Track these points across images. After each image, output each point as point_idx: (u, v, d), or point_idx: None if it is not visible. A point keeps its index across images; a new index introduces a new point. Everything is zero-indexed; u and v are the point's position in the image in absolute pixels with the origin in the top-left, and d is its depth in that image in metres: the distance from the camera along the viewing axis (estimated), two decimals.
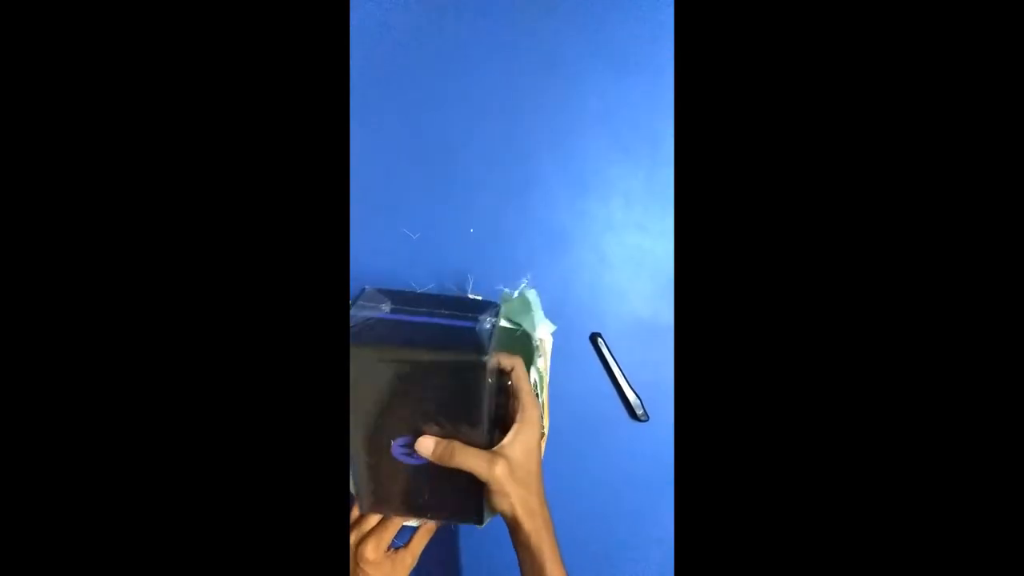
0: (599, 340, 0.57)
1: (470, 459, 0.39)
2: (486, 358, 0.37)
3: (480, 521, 0.43)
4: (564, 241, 0.58)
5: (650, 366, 0.58)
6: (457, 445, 0.40)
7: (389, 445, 0.40)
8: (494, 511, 0.41)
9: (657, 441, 0.57)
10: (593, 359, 0.58)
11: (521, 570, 0.42)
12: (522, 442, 0.41)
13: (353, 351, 0.36)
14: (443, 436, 0.40)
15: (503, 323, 0.47)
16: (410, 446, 0.40)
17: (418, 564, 0.45)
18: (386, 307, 0.43)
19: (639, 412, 0.57)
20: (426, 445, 0.40)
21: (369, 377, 0.37)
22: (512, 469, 0.40)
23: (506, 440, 0.41)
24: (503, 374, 0.44)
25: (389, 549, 0.44)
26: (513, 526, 0.41)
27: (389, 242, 0.57)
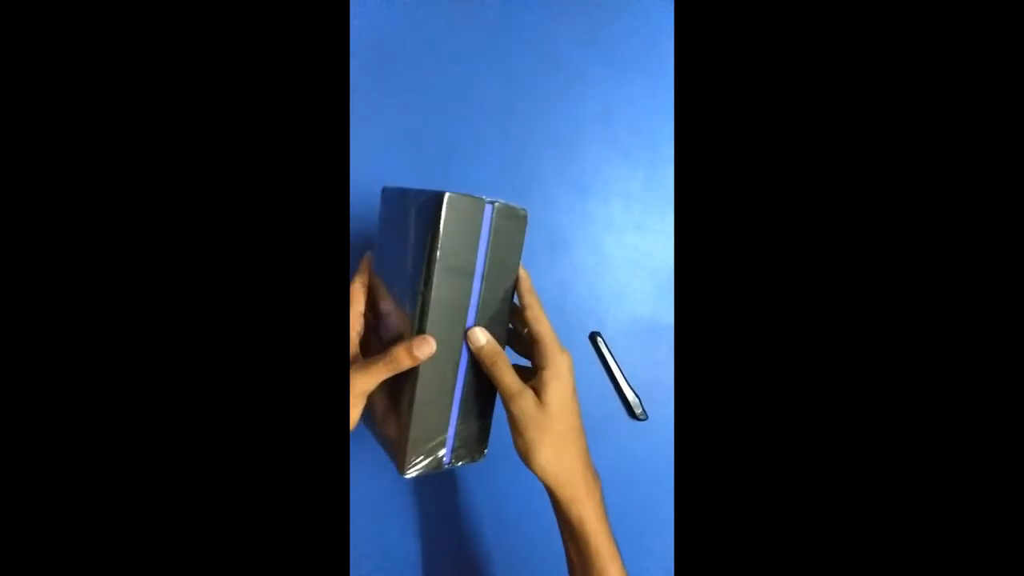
0: (598, 339, 0.58)
1: (508, 377, 0.36)
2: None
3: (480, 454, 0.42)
4: (564, 241, 0.58)
5: (650, 366, 0.58)
6: (505, 358, 0.37)
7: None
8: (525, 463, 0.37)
9: (657, 440, 0.58)
10: (593, 359, 0.58)
11: (565, 548, 0.38)
12: (556, 392, 0.36)
13: None
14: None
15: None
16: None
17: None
18: None
19: (638, 411, 0.57)
20: (477, 336, 0.37)
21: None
22: (544, 414, 0.36)
23: (536, 384, 0.37)
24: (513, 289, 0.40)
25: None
26: (549, 492, 0.37)
27: None
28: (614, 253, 0.58)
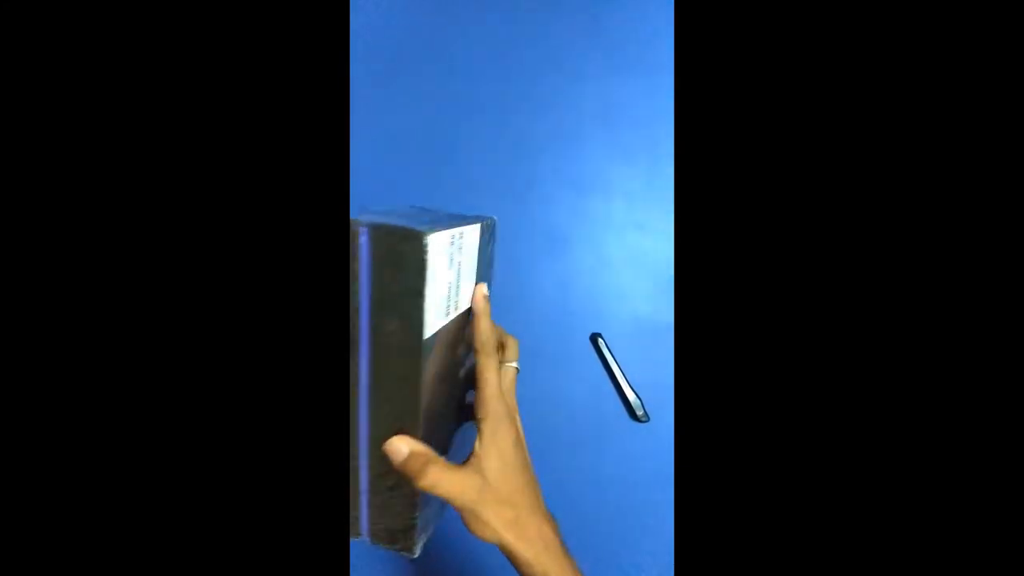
0: (599, 340, 0.57)
1: (444, 482, 0.32)
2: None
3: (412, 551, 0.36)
4: (564, 241, 0.58)
5: (650, 366, 0.58)
6: (435, 461, 0.32)
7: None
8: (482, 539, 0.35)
9: (657, 441, 0.57)
10: (593, 359, 0.58)
11: None
12: (496, 450, 0.34)
13: None
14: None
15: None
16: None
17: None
18: None
19: (639, 412, 0.57)
20: (398, 449, 0.32)
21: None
22: (488, 488, 0.33)
23: (476, 449, 0.34)
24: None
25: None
26: (508, 556, 0.34)
27: None
28: (614, 253, 0.58)
